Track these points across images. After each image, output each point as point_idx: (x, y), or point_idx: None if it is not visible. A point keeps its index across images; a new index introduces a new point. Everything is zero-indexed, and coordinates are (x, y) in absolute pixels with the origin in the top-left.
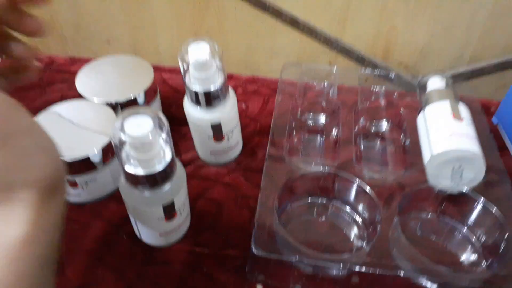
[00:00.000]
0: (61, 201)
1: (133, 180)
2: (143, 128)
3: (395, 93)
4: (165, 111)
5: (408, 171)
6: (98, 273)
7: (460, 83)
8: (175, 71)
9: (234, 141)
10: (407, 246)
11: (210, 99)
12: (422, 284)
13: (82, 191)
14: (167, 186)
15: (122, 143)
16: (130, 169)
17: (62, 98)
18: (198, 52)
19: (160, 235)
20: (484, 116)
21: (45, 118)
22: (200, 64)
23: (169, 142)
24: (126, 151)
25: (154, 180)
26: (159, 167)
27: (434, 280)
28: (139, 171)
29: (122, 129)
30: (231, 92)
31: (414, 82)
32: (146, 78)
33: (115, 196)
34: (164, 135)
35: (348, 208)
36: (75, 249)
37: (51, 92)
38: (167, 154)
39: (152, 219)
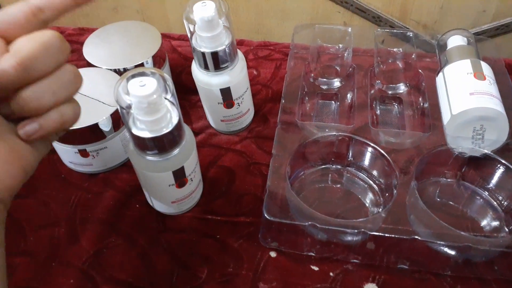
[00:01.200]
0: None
1: (141, 144)
2: (147, 87)
3: (414, 54)
4: (175, 79)
5: (427, 135)
6: (111, 241)
7: (484, 41)
8: (185, 38)
9: (244, 108)
10: (425, 212)
11: (218, 61)
12: (440, 251)
13: (93, 160)
14: (175, 151)
15: (127, 105)
16: (137, 132)
17: None
18: (204, 10)
19: (172, 203)
20: (508, 76)
21: None
22: (206, 22)
23: (175, 104)
24: (132, 114)
25: (162, 144)
26: (166, 129)
27: (453, 246)
28: (146, 134)
29: (125, 89)
30: (240, 55)
31: (433, 42)
32: (154, 44)
33: (127, 165)
34: (169, 96)
35: (363, 174)
36: (88, 218)
37: None
38: (174, 117)
39: (162, 186)
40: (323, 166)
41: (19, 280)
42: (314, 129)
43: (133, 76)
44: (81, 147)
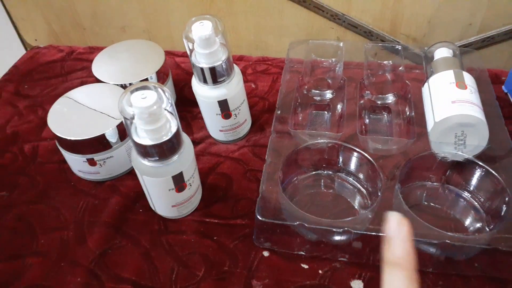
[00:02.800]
0: None
1: (143, 151)
2: (148, 99)
3: (401, 66)
4: (178, 92)
5: (411, 141)
6: (116, 242)
7: (470, 53)
8: (188, 55)
9: (242, 118)
10: (408, 213)
11: (215, 75)
12: (423, 249)
13: (100, 169)
14: (174, 157)
15: (130, 116)
16: (139, 140)
17: (82, 84)
18: (202, 29)
19: (172, 207)
20: (491, 86)
21: (62, 104)
22: (204, 40)
23: (174, 115)
24: (135, 124)
25: (162, 151)
26: (165, 137)
27: (434, 244)
28: (147, 142)
29: (129, 102)
30: (236, 70)
31: (422, 54)
32: (158, 61)
33: (132, 173)
34: (169, 107)
35: (352, 179)
36: (95, 221)
37: (71, 80)
38: (173, 126)
39: (163, 190)
40: (314, 172)
41: (32, 278)
42: (306, 137)
43: (136, 90)
44: (89, 156)
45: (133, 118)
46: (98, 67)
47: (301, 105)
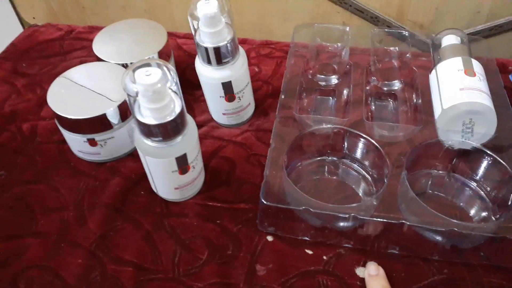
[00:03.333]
0: None
1: (146, 130)
2: (152, 76)
3: (409, 53)
4: (180, 75)
5: (418, 128)
6: (117, 224)
7: (477, 41)
8: (190, 36)
9: (245, 102)
10: (414, 200)
11: (220, 56)
12: (429, 237)
13: (101, 149)
14: (178, 138)
15: (134, 93)
16: (142, 119)
17: (81, 63)
18: (207, 7)
19: (175, 189)
20: (499, 75)
21: (61, 83)
22: (209, 18)
23: (179, 94)
24: (138, 102)
25: (166, 131)
26: (169, 117)
27: (440, 232)
28: (151, 121)
29: (132, 78)
30: (241, 51)
31: (428, 41)
32: (160, 41)
33: (133, 155)
34: (173, 86)
35: (357, 166)
36: (95, 203)
37: (70, 59)
38: (177, 106)
39: (166, 172)
40: (319, 158)
41: (31, 258)
42: (311, 122)
43: (140, 67)
44: (90, 136)
45: (136, 95)
46: (99, 46)
47: (306, 90)
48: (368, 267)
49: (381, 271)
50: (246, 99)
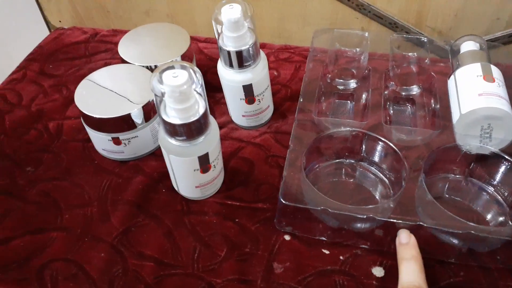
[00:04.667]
0: None
1: (171, 130)
2: (179, 78)
3: (427, 59)
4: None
5: (436, 132)
6: (139, 221)
7: (497, 48)
8: (211, 40)
9: (265, 104)
10: (431, 203)
11: (241, 59)
12: (445, 240)
13: (125, 148)
14: (201, 138)
15: (160, 94)
16: (168, 119)
17: (106, 66)
18: (231, 12)
19: (196, 187)
20: None
21: (88, 84)
22: (233, 23)
23: (203, 96)
24: (165, 102)
25: (190, 130)
26: (194, 117)
27: (457, 235)
28: (176, 121)
29: (159, 79)
30: (262, 55)
31: (447, 47)
32: (183, 44)
33: (155, 154)
34: (198, 88)
35: (375, 169)
36: (118, 200)
37: (95, 61)
38: (202, 107)
39: (188, 170)
40: (337, 160)
41: (55, 252)
42: (330, 125)
43: (168, 68)
44: (115, 135)
45: (162, 96)
46: (124, 48)
47: (324, 94)
48: (400, 234)
49: (413, 239)
50: (266, 102)
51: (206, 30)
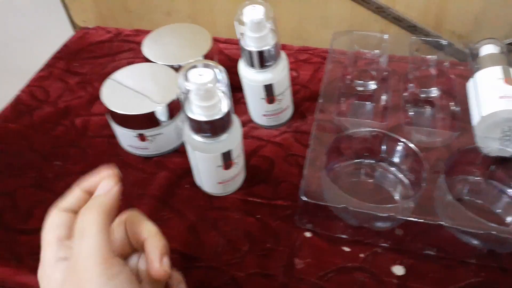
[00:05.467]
0: None
1: (196, 127)
2: (205, 76)
3: (447, 62)
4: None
5: (456, 134)
6: (164, 215)
7: None
8: (231, 41)
9: (285, 104)
10: (452, 203)
11: (263, 59)
12: (466, 241)
13: (149, 144)
14: (225, 135)
15: (186, 91)
16: (193, 116)
17: (129, 64)
18: (253, 13)
19: (218, 183)
20: None
21: (114, 81)
22: (255, 24)
23: (227, 95)
24: (190, 100)
25: (214, 128)
26: (218, 115)
27: (478, 235)
28: (202, 118)
29: (186, 77)
30: (283, 55)
31: (466, 51)
32: (205, 45)
33: (179, 151)
34: (223, 87)
35: (394, 169)
36: (143, 194)
37: (119, 60)
38: (225, 105)
39: (212, 166)
40: (356, 160)
41: None
42: (349, 126)
43: (194, 67)
44: (140, 131)
45: (188, 93)
46: (148, 48)
47: (344, 95)
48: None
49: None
50: (286, 102)
51: (226, 31)
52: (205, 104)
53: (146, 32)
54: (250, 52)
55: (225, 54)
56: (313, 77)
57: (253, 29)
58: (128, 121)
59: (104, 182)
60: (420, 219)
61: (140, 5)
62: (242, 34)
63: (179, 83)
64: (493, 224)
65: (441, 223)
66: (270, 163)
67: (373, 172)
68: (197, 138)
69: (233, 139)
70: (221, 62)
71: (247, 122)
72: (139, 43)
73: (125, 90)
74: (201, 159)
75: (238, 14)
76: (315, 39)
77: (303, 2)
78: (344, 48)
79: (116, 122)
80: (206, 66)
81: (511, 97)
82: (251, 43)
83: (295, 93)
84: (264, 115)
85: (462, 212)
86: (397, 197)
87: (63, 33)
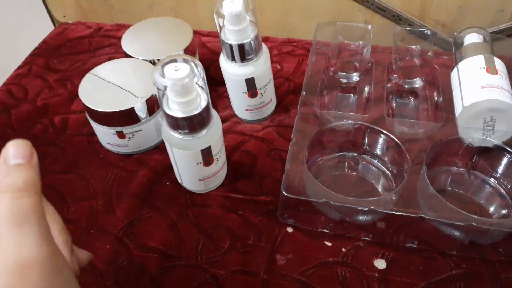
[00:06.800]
0: None
1: (174, 123)
2: (181, 71)
3: (430, 52)
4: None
5: (439, 125)
6: (143, 213)
7: (501, 40)
8: (214, 34)
9: (267, 98)
10: (433, 195)
11: (243, 53)
12: (448, 232)
13: (129, 142)
14: (204, 131)
15: (163, 87)
16: (171, 112)
17: (110, 60)
18: (232, 5)
19: (199, 180)
20: None
21: (91, 78)
22: (234, 16)
23: (205, 89)
24: (167, 96)
25: (192, 124)
26: (196, 111)
27: (459, 227)
28: (179, 114)
29: (161, 73)
30: (264, 48)
31: (450, 40)
32: (186, 38)
33: (159, 148)
34: (200, 82)
35: (377, 161)
36: (123, 192)
37: (99, 55)
38: (204, 100)
39: (191, 163)
40: (339, 153)
41: None
42: (332, 118)
43: (169, 62)
44: (119, 129)
45: (165, 89)
46: (128, 43)
47: (327, 87)
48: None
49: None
50: (268, 95)
51: (209, 24)
52: (182, 100)
53: (128, 27)
54: (230, 46)
55: (208, 47)
56: (297, 70)
57: (233, 22)
58: (105, 118)
59: (17, 147)
60: (401, 212)
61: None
62: (221, 27)
63: (155, 79)
64: (473, 216)
65: (421, 215)
66: (253, 158)
67: (357, 165)
68: (175, 135)
69: (212, 135)
70: (204, 56)
71: (230, 117)
72: (120, 38)
73: (104, 86)
74: (180, 156)
75: (217, 7)
76: (300, 31)
77: None
78: (328, 40)
79: (94, 119)
80: (182, 60)
81: (493, 87)
82: (231, 36)
83: (278, 86)
84: (247, 109)
85: (443, 204)
86: (380, 189)
87: (43, 29)
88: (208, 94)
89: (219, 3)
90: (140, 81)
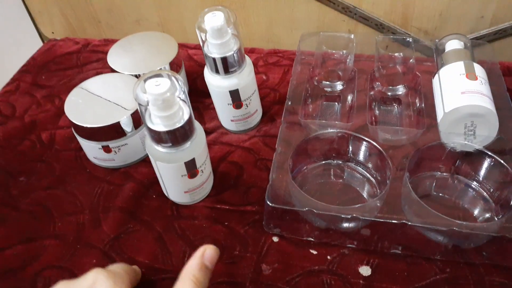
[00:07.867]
0: None
1: (156, 137)
2: (161, 86)
3: (412, 59)
4: (191, 84)
5: (421, 131)
6: (130, 227)
7: (482, 46)
8: (200, 47)
9: (253, 108)
10: (416, 201)
11: (227, 65)
12: (431, 237)
13: (115, 156)
14: (187, 144)
15: (144, 102)
16: (153, 126)
17: (97, 75)
18: (214, 20)
19: (184, 192)
20: (502, 78)
21: (77, 94)
22: (216, 31)
23: (187, 103)
24: (149, 110)
25: (175, 137)
26: (178, 124)
27: (442, 232)
28: (161, 128)
29: (143, 88)
30: (248, 60)
31: (432, 46)
32: (171, 52)
33: (145, 161)
34: (181, 95)
35: (362, 169)
36: (109, 206)
37: (87, 71)
38: (186, 113)
39: (176, 176)
40: (324, 162)
41: (49, 259)
42: (317, 127)
43: (150, 77)
44: (104, 143)
45: (147, 104)
46: (114, 58)
47: (311, 96)
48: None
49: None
50: (254, 106)
51: (196, 37)
52: (164, 114)
53: (115, 42)
54: (213, 59)
55: (195, 60)
56: (283, 80)
57: (215, 36)
58: (91, 133)
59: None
60: (384, 218)
61: (109, 15)
62: (204, 41)
63: (136, 95)
64: (456, 220)
65: (404, 221)
66: (239, 169)
67: (342, 173)
68: (159, 148)
69: (195, 147)
70: (191, 68)
71: (216, 128)
72: (107, 53)
73: (90, 102)
74: (165, 169)
75: (199, 22)
76: (285, 42)
77: (272, 5)
78: (312, 49)
79: (79, 134)
80: (163, 75)
81: (473, 92)
82: (213, 49)
83: (264, 97)
84: (232, 120)
85: (426, 209)
86: (366, 196)
87: (32, 46)
88: (190, 107)
89: (200, 18)
90: (127, 94)
